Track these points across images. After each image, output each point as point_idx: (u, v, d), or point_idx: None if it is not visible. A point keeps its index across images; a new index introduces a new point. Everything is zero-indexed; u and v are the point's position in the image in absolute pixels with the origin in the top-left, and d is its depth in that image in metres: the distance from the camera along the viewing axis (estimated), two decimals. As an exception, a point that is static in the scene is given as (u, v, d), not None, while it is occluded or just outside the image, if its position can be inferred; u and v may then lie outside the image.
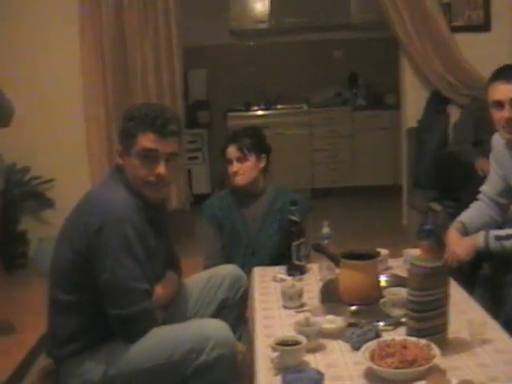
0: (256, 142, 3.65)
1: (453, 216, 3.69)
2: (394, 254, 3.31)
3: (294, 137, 8.18)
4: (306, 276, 3.16)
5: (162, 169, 2.65)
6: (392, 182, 7.94)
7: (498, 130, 3.36)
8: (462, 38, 5.91)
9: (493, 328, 2.48)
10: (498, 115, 3.26)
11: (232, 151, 3.63)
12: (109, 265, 2.50)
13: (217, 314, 3.03)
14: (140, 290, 2.55)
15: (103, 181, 2.82)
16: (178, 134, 2.72)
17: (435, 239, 2.29)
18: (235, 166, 3.62)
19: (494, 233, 3.27)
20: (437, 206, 4.99)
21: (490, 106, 3.31)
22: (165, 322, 2.71)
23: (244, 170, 3.61)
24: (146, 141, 2.63)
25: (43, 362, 3.00)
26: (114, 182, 2.69)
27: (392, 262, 3.25)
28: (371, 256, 2.70)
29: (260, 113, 8.39)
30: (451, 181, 5.17)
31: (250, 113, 8.38)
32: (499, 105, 3.24)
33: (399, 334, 2.36)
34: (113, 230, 2.50)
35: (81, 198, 2.71)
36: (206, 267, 3.50)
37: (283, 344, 2.25)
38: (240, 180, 3.63)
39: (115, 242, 2.50)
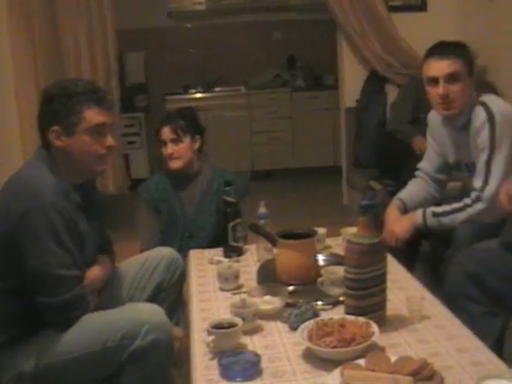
0: (190, 123, 3.60)
1: (392, 194, 3.70)
2: (334, 234, 3.28)
3: (233, 119, 8.11)
4: (243, 257, 3.12)
5: (111, 140, 2.64)
6: (332, 163, 7.93)
7: (434, 106, 3.37)
8: (399, 18, 5.93)
9: (432, 304, 2.48)
10: (434, 92, 3.27)
11: (166, 133, 3.57)
12: (35, 251, 2.41)
13: (153, 297, 2.98)
14: (69, 277, 2.47)
15: (27, 164, 2.71)
16: (114, 104, 2.67)
17: (372, 215, 2.25)
18: (170, 148, 3.56)
19: (431, 210, 3.28)
20: (376, 185, 5.00)
21: (426, 83, 3.31)
22: (99, 308, 2.63)
23: (179, 152, 3.56)
24: (94, 115, 2.57)
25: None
26: (40, 165, 2.58)
27: (331, 241, 3.23)
28: (308, 235, 2.67)
29: (199, 95, 8.30)
30: (390, 159, 5.19)
31: (189, 96, 8.27)
32: (434, 81, 3.25)
33: (338, 313, 2.33)
34: (38, 216, 2.40)
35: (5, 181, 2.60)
36: (143, 252, 3.42)
37: (219, 327, 2.20)
38: (175, 163, 3.58)
39: (41, 228, 2.41)
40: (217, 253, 3.17)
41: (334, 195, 6.77)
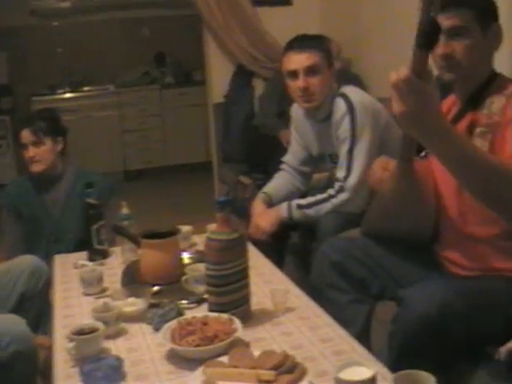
0: (51, 124, 3.52)
1: (261, 188, 3.72)
2: (203, 230, 3.25)
3: (102, 119, 8.00)
4: (108, 260, 3.04)
5: None
6: (204, 159, 7.92)
7: (295, 99, 3.40)
8: (264, 12, 5.97)
9: (296, 296, 2.49)
10: (294, 85, 3.30)
11: (26, 135, 3.48)
12: None
13: (18, 307, 2.91)
14: None
15: None
16: None
17: (230, 211, 2.25)
18: (31, 151, 3.48)
19: (296, 202, 3.31)
20: (246, 179, 5.03)
21: (286, 77, 3.33)
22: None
23: (40, 154, 3.48)
24: None
25: None
26: None
27: (197, 239, 3.21)
28: (171, 234, 2.64)
29: (67, 96, 8.14)
30: (258, 153, 5.23)
31: (56, 96, 8.09)
32: (294, 74, 3.28)
33: (203, 311, 2.31)
34: None
35: None
36: (7, 260, 3.32)
37: (80, 333, 2.15)
38: (37, 166, 3.50)
39: None
40: (82, 256, 3.08)
41: (206, 191, 6.74)
